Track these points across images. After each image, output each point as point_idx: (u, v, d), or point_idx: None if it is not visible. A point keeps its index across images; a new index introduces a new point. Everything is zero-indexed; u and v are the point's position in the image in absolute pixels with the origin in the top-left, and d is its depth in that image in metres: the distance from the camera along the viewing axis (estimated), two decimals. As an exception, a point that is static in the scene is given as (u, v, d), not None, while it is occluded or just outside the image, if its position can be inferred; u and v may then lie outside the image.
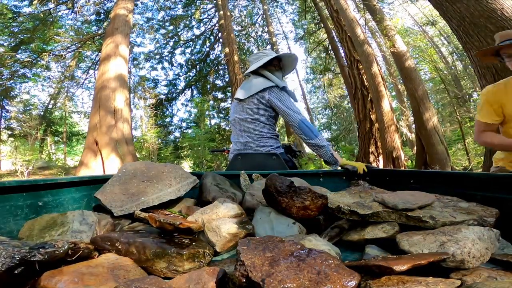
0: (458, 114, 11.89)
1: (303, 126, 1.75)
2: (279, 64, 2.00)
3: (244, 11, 18.12)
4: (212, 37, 16.44)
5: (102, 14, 13.74)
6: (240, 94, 1.97)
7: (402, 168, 5.40)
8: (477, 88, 12.75)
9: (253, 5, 17.95)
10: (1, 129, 13.93)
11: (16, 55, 12.10)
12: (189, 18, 16.36)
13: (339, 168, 1.57)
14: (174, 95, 16.70)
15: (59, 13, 12.64)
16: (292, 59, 2.04)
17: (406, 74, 7.37)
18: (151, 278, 0.40)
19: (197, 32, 17.35)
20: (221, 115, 16.14)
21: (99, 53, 10.62)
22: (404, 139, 11.06)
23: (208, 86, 16.42)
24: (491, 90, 1.55)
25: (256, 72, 1.96)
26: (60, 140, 17.84)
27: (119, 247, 0.53)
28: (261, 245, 0.45)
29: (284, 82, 1.98)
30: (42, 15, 11.33)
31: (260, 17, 17.72)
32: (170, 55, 17.04)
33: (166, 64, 17.21)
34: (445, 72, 15.28)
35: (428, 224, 0.58)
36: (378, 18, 11.35)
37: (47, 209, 0.84)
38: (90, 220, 0.69)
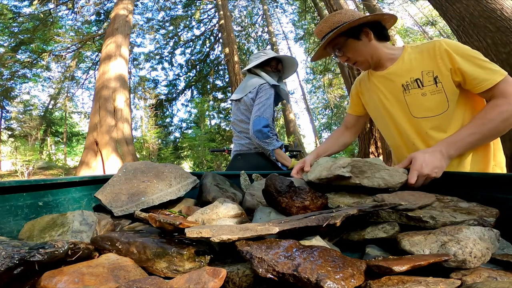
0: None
1: (256, 121, 1.73)
2: (277, 66, 1.98)
3: (244, 12, 18.14)
4: (212, 38, 16.45)
5: (102, 14, 13.77)
6: (234, 95, 1.98)
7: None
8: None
9: (253, 6, 17.96)
10: (2, 130, 13.95)
11: (16, 56, 12.12)
12: (189, 18, 16.38)
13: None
14: (174, 95, 16.71)
15: (59, 14, 12.68)
16: (292, 62, 2.01)
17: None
18: (152, 279, 0.40)
19: (197, 32, 17.41)
20: (221, 116, 16.14)
21: (99, 54, 10.64)
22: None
23: (208, 87, 16.43)
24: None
25: (252, 72, 1.96)
26: (60, 140, 17.87)
27: (120, 247, 0.53)
28: (263, 245, 0.45)
29: (281, 83, 1.96)
30: (42, 16, 11.34)
31: (260, 17, 17.74)
32: (170, 55, 17.06)
33: (166, 65, 17.24)
34: (445, 72, 15.26)
35: (429, 224, 0.58)
36: (378, 18, 11.35)
37: (47, 209, 0.84)
38: (90, 220, 0.69)
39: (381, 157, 5.05)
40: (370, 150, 5.26)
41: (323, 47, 1.20)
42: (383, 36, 1.16)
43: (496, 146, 1.08)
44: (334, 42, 1.15)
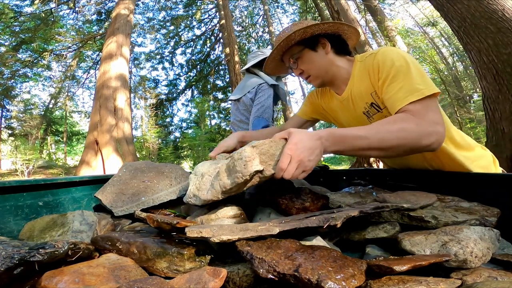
0: (458, 115, 11.89)
1: (255, 122, 1.72)
2: None
3: (245, 12, 18.15)
4: (212, 37, 16.45)
5: (103, 14, 13.79)
6: (233, 95, 1.98)
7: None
8: (478, 89, 12.76)
9: (254, 6, 17.97)
10: (2, 128, 13.96)
11: (17, 55, 12.14)
12: (190, 18, 16.40)
13: None
14: (174, 95, 16.74)
15: (61, 13, 12.69)
16: None
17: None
18: (153, 279, 0.39)
19: (197, 32, 17.43)
20: (222, 115, 16.15)
21: (100, 53, 10.65)
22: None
23: (209, 86, 16.45)
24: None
25: (251, 71, 1.96)
26: (61, 139, 17.89)
27: (120, 247, 0.53)
28: (263, 245, 0.45)
29: (279, 82, 1.95)
30: (43, 15, 11.36)
31: (261, 17, 17.74)
32: (170, 55, 17.08)
33: (166, 64, 17.28)
34: (445, 73, 15.29)
35: (431, 224, 0.58)
36: (379, 19, 11.36)
37: (48, 209, 0.84)
38: (90, 220, 0.69)
39: (381, 165, 5.03)
40: (371, 160, 5.23)
41: (277, 56, 1.08)
42: (342, 50, 1.06)
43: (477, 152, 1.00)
44: (290, 51, 1.04)
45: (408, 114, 0.79)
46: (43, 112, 16.02)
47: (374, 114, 1.00)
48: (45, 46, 12.58)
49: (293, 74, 1.15)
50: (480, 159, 0.99)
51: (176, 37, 16.60)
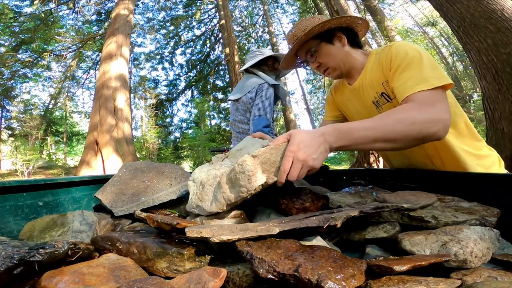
0: (458, 115, 11.86)
1: (256, 122, 1.72)
2: (274, 65, 1.96)
3: (245, 12, 18.15)
4: (212, 38, 16.46)
5: (103, 14, 13.80)
6: (233, 95, 1.97)
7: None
8: (477, 89, 12.76)
9: (253, 6, 17.98)
10: (2, 129, 13.96)
11: (17, 55, 12.14)
12: (189, 18, 16.41)
13: None
14: (174, 95, 16.75)
15: (60, 13, 12.70)
16: None
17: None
18: (153, 279, 0.39)
19: (197, 32, 17.43)
20: (222, 116, 16.16)
21: (100, 53, 10.66)
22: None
23: (209, 87, 16.45)
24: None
25: (250, 71, 1.96)
26: (60, 140, 17.89)
27: (120, 247, 0.53)
28: (263, 245, 0.45)
29: (279, 81, 1.95)
30: (43, 15, 11.36)
31: (261, 17, 17.74)
32: (170, 55, 17.10)
33: (166, 65, 17.29)
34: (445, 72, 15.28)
35: (431, 224, 0.58)
36: (379, 18, 11.36)
37: (47, 209, 0.84)
38: (90, 220, 0.69)
39: (381, 158, 5.04)
40: (371, 160, 5.24)
41: (294, 51, 1.11)
42: (356, 42, 1.10)
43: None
44: (306, 45, 1.07)
45: (414, 103, 0.80)
46: (43, 113, 16.02)
47: (383, 104, 1.02)
48: (45, 46, 12.59)
49: (307, 67, 1.18)
50: (484, 159, 1.00)
51: (176, 37, 16.61)
